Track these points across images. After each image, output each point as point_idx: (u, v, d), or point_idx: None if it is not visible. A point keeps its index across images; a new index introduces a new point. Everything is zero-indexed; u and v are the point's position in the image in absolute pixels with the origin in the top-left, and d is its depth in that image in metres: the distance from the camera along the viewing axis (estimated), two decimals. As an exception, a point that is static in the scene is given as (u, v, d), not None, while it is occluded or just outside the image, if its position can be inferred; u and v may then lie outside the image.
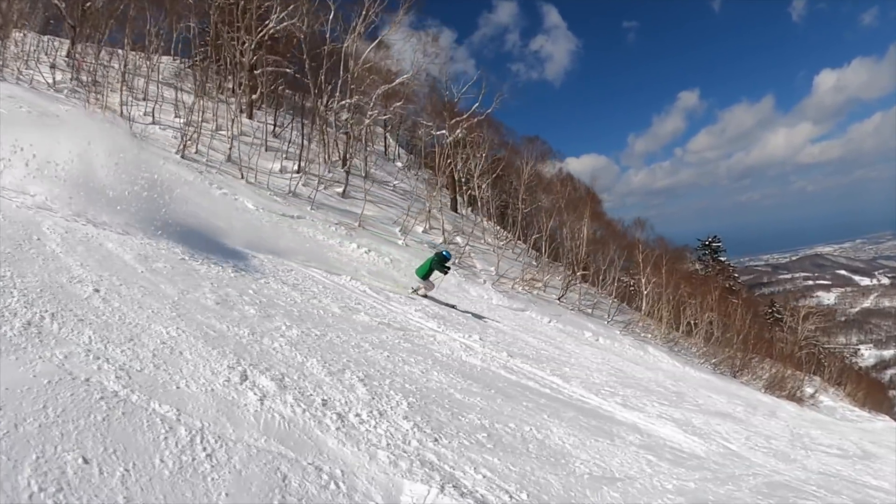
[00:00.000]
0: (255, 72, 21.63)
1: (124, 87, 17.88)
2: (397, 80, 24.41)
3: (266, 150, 19.06)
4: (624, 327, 21.87)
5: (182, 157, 15.92)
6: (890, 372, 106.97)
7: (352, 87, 22.19)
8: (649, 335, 22.95)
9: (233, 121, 19.22)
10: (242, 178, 16.63)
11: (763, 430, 9.87)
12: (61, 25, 21.40)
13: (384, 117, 25.24)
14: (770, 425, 11.14)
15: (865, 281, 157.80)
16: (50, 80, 17.26)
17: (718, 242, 44.13)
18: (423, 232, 20.27)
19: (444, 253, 12.65)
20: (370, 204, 19.14)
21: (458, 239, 20.83)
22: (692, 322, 27.06)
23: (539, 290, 20.64)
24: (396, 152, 30.75)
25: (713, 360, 24.03)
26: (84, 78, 17.85)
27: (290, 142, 20.39)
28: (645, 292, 25.21)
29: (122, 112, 16.67)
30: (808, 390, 40.01)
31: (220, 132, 18.77)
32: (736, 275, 44.95)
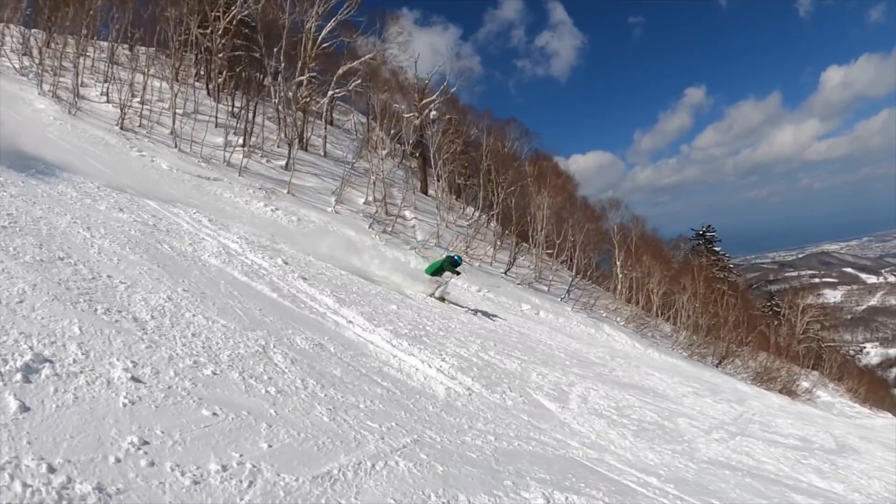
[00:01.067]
0: (219, 55, 21.73)
1: (85, 71, 18.44)
2: (358, 60, 24.13)
3: (216, 127, 19.01)
4: (582, 306, 20.66)
5: (121, 128, 16.02)
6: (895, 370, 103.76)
7: (310, 66, 22.39)
8: (617, 317, 21.35)
9: (185, 100, 19.35)
10: (176, 147, 16.56)
11: (698, 412, 8.27)
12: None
13: (340, 93, 24.40)
14: (718, 408, 9.50)
15: (872, 279, 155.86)
16: (17, 66, 17.90)
17: (713, 232, 42.10)
18: (363, 203, 19.34)
19: (455, 258, 12.67)
20: (314, 177, 18.91)
21: (408, 213, 20.16)
22: (678, 309, 25.19)
23: (485, 262, 19.85)
24: (379, 140, 29.16)
25: (693, 348, 22.17)
26: (48, 62, 18.04)
27: (247, 121, 20.06)
28: (620, 275, 23.45)
29: (77, 93, 16.81)
30: (805, 385, 38.40)
31: (177, 111, 18.62)
32: (731, 266, 42.84)
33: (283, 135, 20.99)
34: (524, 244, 23.16)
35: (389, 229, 18.25)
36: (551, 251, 23.36)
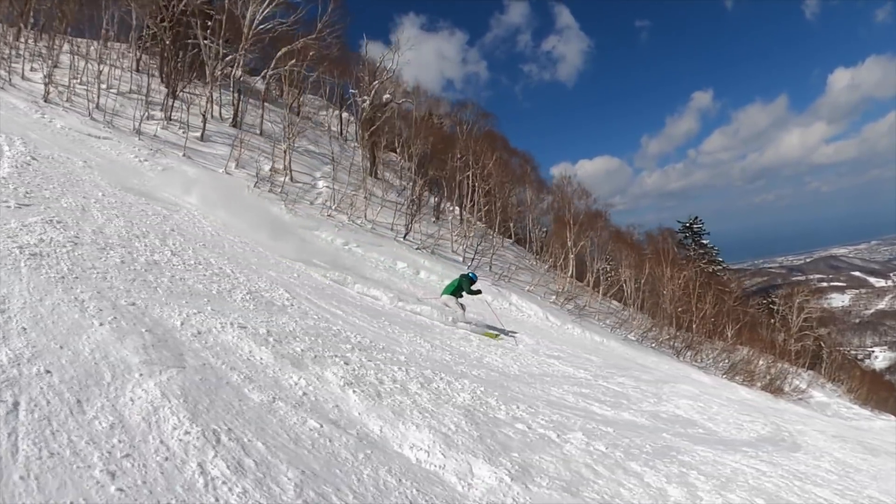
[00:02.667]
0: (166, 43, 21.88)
1: (33, 60, 18.89)
2: (298, 42, 23.78)
3: (146, 104, 18.95)
4: (498, 277, 19.55)
5: (45, 101, 16.40)
6: None
7: (245, 47, 22.61)
8: (552, 295, 19.53)
9: (119, 79, 19.96)
10: (89, 115, 16.70)
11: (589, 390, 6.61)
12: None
13: (273, 72, 23.97)
14: (618, 381, 7.62)
15: (881, 282, 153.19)
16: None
17: (700, 224, 39.75)
18: (269, 170, 18.80)
19: (470, 275, 12.01)
20: (229, 147, 18.62)
21: (321, 183, 19.79)
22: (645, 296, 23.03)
23: (388, 228, 19.56)
24: (342, 129, 28.92)
25: (646, 332, 20.15)
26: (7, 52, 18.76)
27: (167, 95, 20.15)
28: (572, 255, 21.44)
29: (23, 75, 17.65)
30: (799, 384, 36.08)
31: (110, 90, 19.13)
32: (720, 259, 40.36)
33: (212, 112, 20.84)
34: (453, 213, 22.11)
35: (278, 191, 18.01)
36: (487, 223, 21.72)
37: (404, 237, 19.43)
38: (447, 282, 12.66)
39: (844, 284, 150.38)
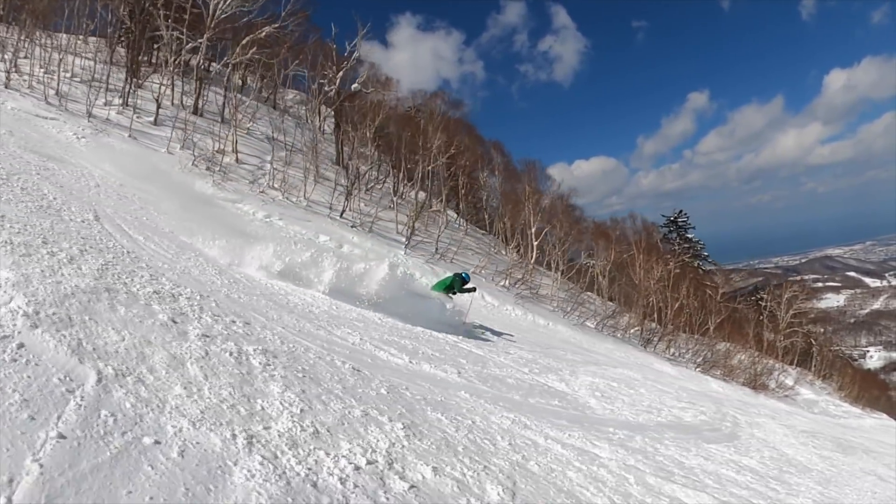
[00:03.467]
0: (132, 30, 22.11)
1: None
2: (262, 30, 23.39)
3: (107, 91, 19.20)
4: (431, 255, 19.11)
5: (6, 87, 16.79)
6: None
7: (207, 35, 22.08)
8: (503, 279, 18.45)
9: (85, 69, 20.01)
10: (45, 100, 16.94)
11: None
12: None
13: (236, 60, 23.46)
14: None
15: (876, 283, 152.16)
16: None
17: (685, 218, 38.51)
18: (217, 151, 18.53)
19: (463, 275, 12.01)
20: (181, 131, 18.51)
21: (268, 165, 19.11)
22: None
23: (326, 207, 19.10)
24: (321, 122, 27.90)
25: (603, 320, 18.98)
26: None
27: (126, 82, 20.00)
28: (535, 242, 20.23)
29: None
30: (786, 381, 34.92)
31: (74, 78, 19.36)
32: (706, 253, 39.12)
33: (172, 99, 20.82)
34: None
35: (216, 169, 17.79)
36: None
37: (341, 215, 18.85)
38: (435, 280, 12.78)
39: (840, 285, 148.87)
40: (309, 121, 26.22)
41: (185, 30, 21.75)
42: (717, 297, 31.29)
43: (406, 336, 7.40)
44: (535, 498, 3.61)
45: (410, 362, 6.14)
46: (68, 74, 19.01)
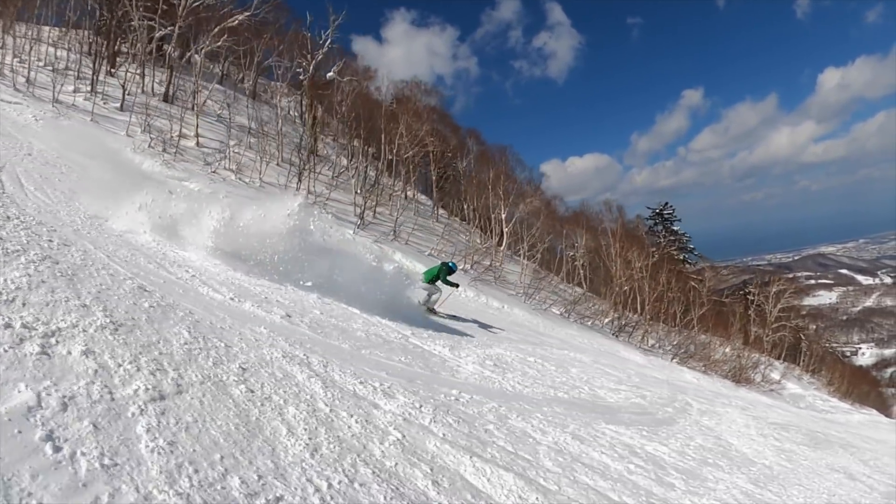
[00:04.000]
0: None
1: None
2: (234, 18, 23.21)
3: (77, 79, 19.37)
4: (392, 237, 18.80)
5: None
6: (891, 370, 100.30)
7: (178, 23, 21.98)
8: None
9: (58, 58, 20.21)
10: (13, 86, 17.11)
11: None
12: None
13: (207, 48, 22.86)
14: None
15: (868, 280, 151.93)
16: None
17: (671, 211, 37.46)
18: (178, 135, 18.25)
19: (450, 264, 11.61)
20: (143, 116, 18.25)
21: (230, 150, 18.83)
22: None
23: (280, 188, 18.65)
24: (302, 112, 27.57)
25: (571, 307, 17.97)
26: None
27: (94, 70, 19.65)
28: (505, 228, 19.23)
29: None
30: (772, 374, 34.01)
31: (46, 67, 19.49)
32: (692, 247, 38.06)
33: (142, 87, 20.92)
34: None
35: (173, 151, 17.55)
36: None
37: (298, 192, 18.36)
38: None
39: (832, 282, 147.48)
40: (279, 107, 25.41)
41: (157, 18, 21.74)
42: (704, 291, 30.21)
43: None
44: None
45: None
46: (41, 63, 19.29)
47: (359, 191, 20.96)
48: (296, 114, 26.89)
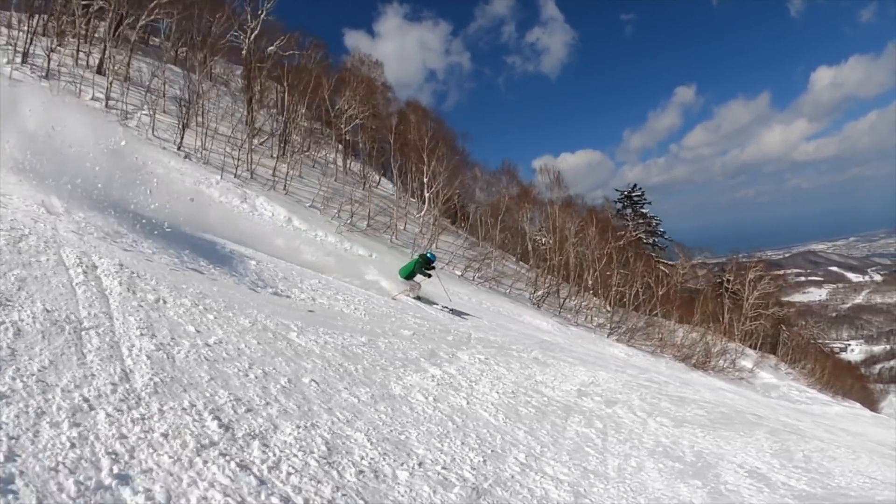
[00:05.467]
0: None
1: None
2: None
3: (15, 52, 18.90)
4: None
5: None
6: (879, 366, 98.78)
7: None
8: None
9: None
10: None
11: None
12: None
13: (143, 21, 22.69)
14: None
15: (858, 278, 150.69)
16: None
17: (639, 193, 35.12)
18: (90, 100, 17.98)
19: (428, 255, 11.63)
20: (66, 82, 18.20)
21: (144, 116, 18.27)
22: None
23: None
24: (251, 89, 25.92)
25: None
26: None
27: (26, 42, 19.29)
28: (428, 194, 17.06)
29: None
30: (745, 363, 31.68)
31: None
32: (662, 230, 35.70)
33: (76, 59, 20.66)
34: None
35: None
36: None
37: (177, 146, 17.65)
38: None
39: (822, 279, 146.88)
40: (198, 75, 23.79)
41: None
42: (676, 277, 27.87)
43: None
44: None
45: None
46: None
47: (274, 155, 20.18)
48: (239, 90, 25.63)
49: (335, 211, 18.26)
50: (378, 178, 24.32)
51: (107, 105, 18.19)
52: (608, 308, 21.88)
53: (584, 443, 4.74)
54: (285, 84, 22.42)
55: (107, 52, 20.45)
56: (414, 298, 10.71)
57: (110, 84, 18.83)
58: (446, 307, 11.07)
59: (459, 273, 16.28)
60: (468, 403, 4.85)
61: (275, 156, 20.36)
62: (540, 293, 17.10)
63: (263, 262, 8.54)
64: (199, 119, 18.85)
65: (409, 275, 11.03)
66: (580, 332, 14.97)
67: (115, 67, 20.06)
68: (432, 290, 11.66)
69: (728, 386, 18.12)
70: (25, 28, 19.65)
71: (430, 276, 11.36)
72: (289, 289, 7.42)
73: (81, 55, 20.84)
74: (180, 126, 17.75)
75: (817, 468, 5.91)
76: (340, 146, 24.00)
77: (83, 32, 21.79)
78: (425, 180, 20.56)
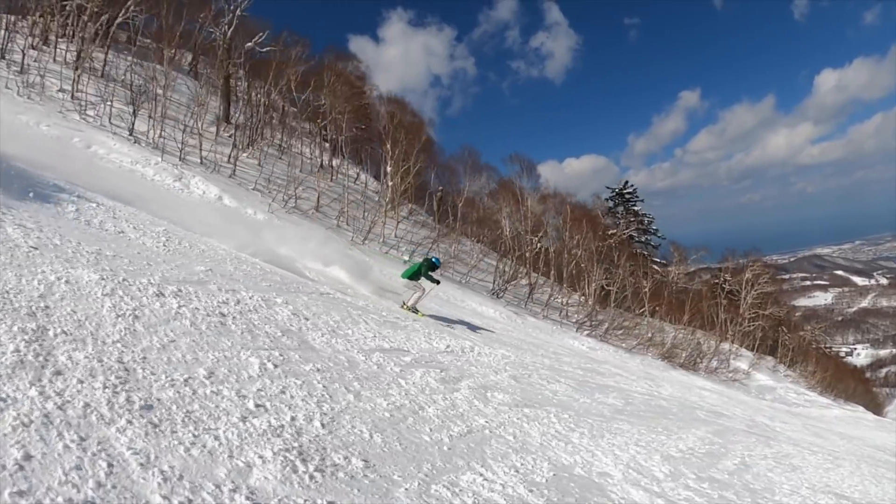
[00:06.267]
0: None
1: None
2: None
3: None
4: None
5: None
6: (886, 370, 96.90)
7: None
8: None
9: None
10: None
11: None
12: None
13: (121, 19, 22.75)
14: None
15: (864, 281, 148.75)
16: None
17: (631, 190, 33.78)
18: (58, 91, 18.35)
19: (433, 259, 10.66)
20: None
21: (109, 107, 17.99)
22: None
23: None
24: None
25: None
26: None
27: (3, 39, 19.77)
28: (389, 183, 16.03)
29: None
30: (740, 364, 30.30)
31: None
32: (655, 228, 34.27)
33: (54, 56, 20.81)
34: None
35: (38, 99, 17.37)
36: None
37: (129, 132, 17.50)
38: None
39: (828, 283, 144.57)
40: (166, 66, 23.22)
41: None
42: (670, 278, 26.58)
43: None
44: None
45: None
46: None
47: (238, 145, 19.72)
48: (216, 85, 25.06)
49: (279, 194, 17.89)
50: (357, 173, 23.59)
51: (72, 97, 18.28)
52: (589, 304, 20.66)
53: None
54: (243, 71, 22.29)
55: (84, 47, 20.65)
56: (409, 309, 9.67)
57: (77, 77, 18.95)
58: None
59: (407, 258, 15.35)
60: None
61: (238, 145, 19.97)
62: (500, 283, 15.91)
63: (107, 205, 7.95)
64: (156, 107, 18.66)
65: (411, 276, 10.22)
66: (540, 323, 13.76)
67: (91, 63, 20.25)
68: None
69: (713, 386, 16.83)
70: (3, 25, 19.94)
71: (437, 282, 10.56)
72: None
73: (61, 52, 21.15)
74: (132, 112, 17.51)
75: (750, 481, 4.67)
76: (317, 139, 23.42)
77: (62, 32, 22.04)
78: (388, 169, 19.55)
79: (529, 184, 22.56)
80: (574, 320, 17.34)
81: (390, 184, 19.25)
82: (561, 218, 21.71)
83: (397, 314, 7.99)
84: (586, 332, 15.37)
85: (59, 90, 18.45)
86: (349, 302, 7.12)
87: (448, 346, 6.42)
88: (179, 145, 17.45)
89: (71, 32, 22.38)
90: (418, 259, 11.60)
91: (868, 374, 73.05)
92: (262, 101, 22.34)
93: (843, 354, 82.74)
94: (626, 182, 33.85)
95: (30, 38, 20.86)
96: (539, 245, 19.25)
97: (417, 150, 19.45)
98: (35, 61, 19.14)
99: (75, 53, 20.75)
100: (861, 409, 33.35)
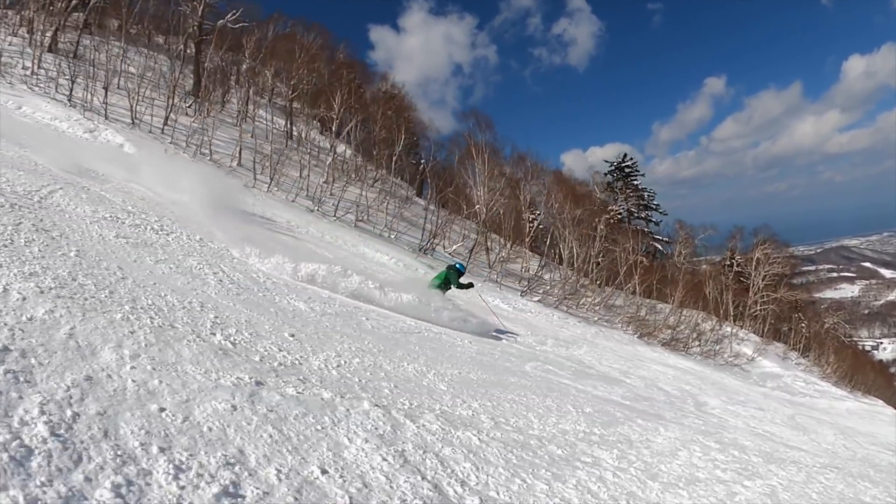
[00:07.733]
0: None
1: None
2: None
3: None
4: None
5: None
6: None
7: None
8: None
9: None
10: None
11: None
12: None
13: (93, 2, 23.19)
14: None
15: (891, 274, 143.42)
16: None
17: (630, 164, 31.10)
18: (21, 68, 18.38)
19: (458, 266, 10.45)
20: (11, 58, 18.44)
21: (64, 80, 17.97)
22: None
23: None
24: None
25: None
26: None
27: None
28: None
29: None
30: (745, 350, 27.75)
31: None
32: (656, 204, 31.54)
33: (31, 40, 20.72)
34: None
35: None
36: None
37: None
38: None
39: (855, 275, 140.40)
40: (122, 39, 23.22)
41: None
42: (677, 257, 24.14)
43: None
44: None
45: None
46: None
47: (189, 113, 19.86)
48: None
49: (197, 148, 17.81)
50: (331, 144, 22.32)
51: (32, 73, 18.58)
52: (575, 278, 18.50)
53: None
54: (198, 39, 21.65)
55: (57, 29, 21.13)
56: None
57: (39, 57, 19.42)
58: None
59: (339, 216, 13.62)
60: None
61: (189, 113, 20.07)
62: (455, 248, 13.95)
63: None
64: (106, 77, 18.76)
65: (440, 286, 9.85)
66: (526, 303, 11.85)
67: (74, 47, 20.83)
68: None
69: (697, 368, 14.53)
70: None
71: (471, 285, 10.27)
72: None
73: (39, 39, 20.96)
74: (70, 79, 17.66)
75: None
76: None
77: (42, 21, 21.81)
78: (334, 126, 18.02)
79: (486, 139, 20.33)
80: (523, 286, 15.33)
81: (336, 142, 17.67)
82: (531, 181, 19.53)
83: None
84: (536, 299, 13.25)
85: (22, 68, 18.68)
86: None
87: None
88: (128, 112, 17.38)
89: (51, 23, 22.28)
90: (442, 268, 11.06)
91: (894, 370, 69.38)
92: (220, 68, 22.16)
93: (868, 348, 78.87)
94: (625, 155, 31.19)
95: (13, 28, 21.42)
96: (497, 207, 17.26)
97: (397, 120, 18.05)
98: (10, 45, 19.50)
99: (50, 38, 20.97)
100: (881, 402, 30.54)
